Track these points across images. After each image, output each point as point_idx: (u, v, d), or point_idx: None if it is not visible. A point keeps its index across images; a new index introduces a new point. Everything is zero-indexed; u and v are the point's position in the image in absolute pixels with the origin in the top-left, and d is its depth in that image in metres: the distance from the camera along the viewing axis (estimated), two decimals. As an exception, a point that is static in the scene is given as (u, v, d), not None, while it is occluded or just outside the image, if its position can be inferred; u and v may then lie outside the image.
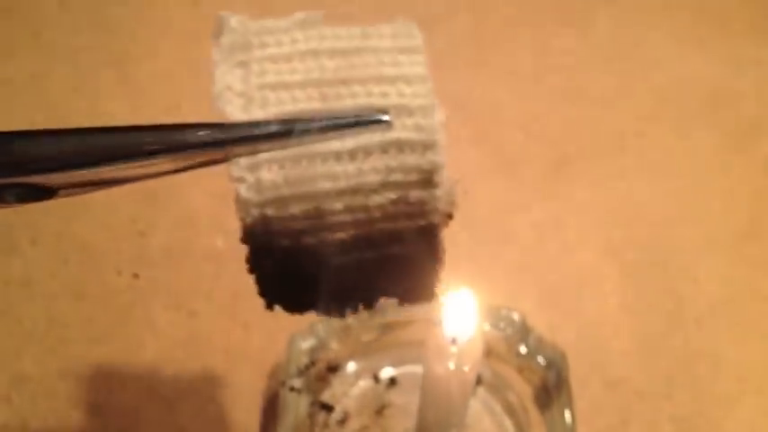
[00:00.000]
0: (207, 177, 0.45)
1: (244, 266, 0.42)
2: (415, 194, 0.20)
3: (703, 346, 0.41)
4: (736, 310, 0.43)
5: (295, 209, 0.20)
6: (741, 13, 0.55)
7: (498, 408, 0.36)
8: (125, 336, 0.40)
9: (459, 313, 0.29)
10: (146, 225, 0.43)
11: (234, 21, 0.21)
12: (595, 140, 0.49)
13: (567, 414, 0.35)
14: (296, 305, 0.23)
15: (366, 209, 0.20)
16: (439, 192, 0.20)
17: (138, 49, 0.51)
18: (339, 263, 0.21)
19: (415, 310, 0.36)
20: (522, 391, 0.36)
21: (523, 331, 0.36)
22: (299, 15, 0.22)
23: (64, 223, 0.43)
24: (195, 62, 0.50)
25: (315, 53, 0.21)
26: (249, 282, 0.41)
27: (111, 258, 0.42)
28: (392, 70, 0.21)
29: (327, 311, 0.23)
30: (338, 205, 0.20)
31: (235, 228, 0.43)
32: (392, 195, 0.20)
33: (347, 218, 0.20)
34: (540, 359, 0.36)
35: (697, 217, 0.46)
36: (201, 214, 0.44)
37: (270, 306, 0.22)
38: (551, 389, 0.35)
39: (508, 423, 0.36)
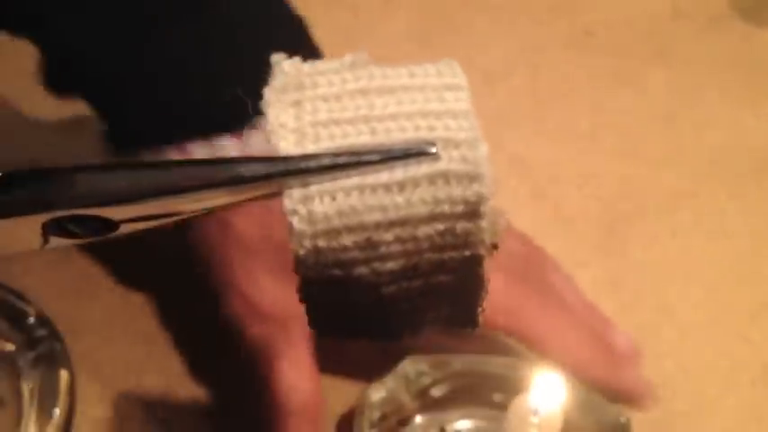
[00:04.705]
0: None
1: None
2: (461, 225, 0.21)
3: (758, 408, 0.42)
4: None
5: (346, 240, 0.20)
6: (794, 72, 0.57)
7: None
8: (200, 382, 0.41)
9: (545, 388, 0.31)
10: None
11: (287, 64, 0.22)
12: (650, 199, 0.50)
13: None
14: (345, 333, 0.23)
15: (415, 239, 0.21)
16: (484, 223, 0.21)
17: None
18: (388, 292, 0.21)
19: (486, 367, 0.38)
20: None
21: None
22: (348, 58, 0.22)
23: (141, 270, 0.45)
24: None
25: (364, 91, 0.21)
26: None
27: (186, 305, 0.44)
28: (438, 106, 0.21)
29: (375, 338, 0.23)
30: (388, 236, 0.20)
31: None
32: (440, 226, 0.21)
33: (397, 248, 0.21)
34: (604, 422, 0.37)
35: (750, 278, 0.46)
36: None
37: (321, 335, 0.23)
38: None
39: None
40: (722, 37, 0.57)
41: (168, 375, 0.42)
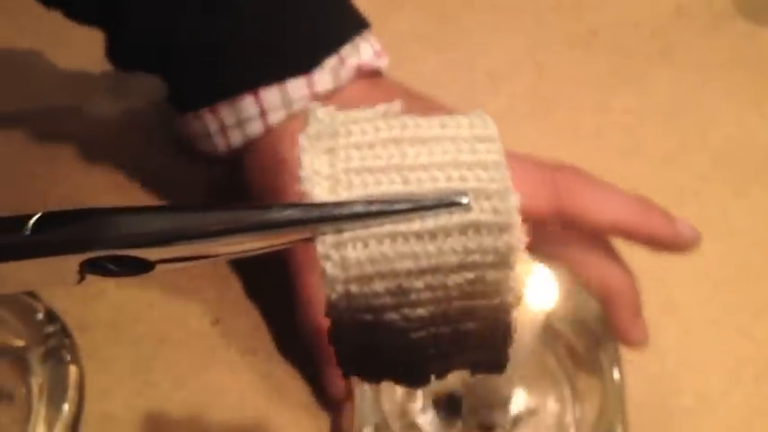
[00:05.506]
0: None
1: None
2: (491, 275, 0.21)
3: (761, 404, 0.42)
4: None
5: (378, 286, 0.21)
6: (797, 72, 0.57)
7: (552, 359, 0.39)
8: (207, 379, 0.42)
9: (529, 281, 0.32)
10: (227, 271, 0.46)
11: (321, 112, 0.22)
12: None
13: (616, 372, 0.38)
14: (372, 375, 0.23)
15: (445, 287, 0.21)
16: (514, 273, 0.21)
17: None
18: (416, 337, 0.22)
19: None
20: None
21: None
22: (381, 107, 0.23)
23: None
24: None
25: (397, 141, 0.22)
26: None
27: (193, 304, 0.45)
28: (470, 157, 0.21)
29: (402, 382, 0.23)
30: (419, 283, 0.21)
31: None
32: (470, 275, 0.21)
33: (427, 295, 0.21)
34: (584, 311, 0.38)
35: (754, 276, 0.46)
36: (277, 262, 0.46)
37: (347, 376, 0.23)
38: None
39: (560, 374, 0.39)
40: (726, 36, 0.58)
41: (176, 371, 0.42)
